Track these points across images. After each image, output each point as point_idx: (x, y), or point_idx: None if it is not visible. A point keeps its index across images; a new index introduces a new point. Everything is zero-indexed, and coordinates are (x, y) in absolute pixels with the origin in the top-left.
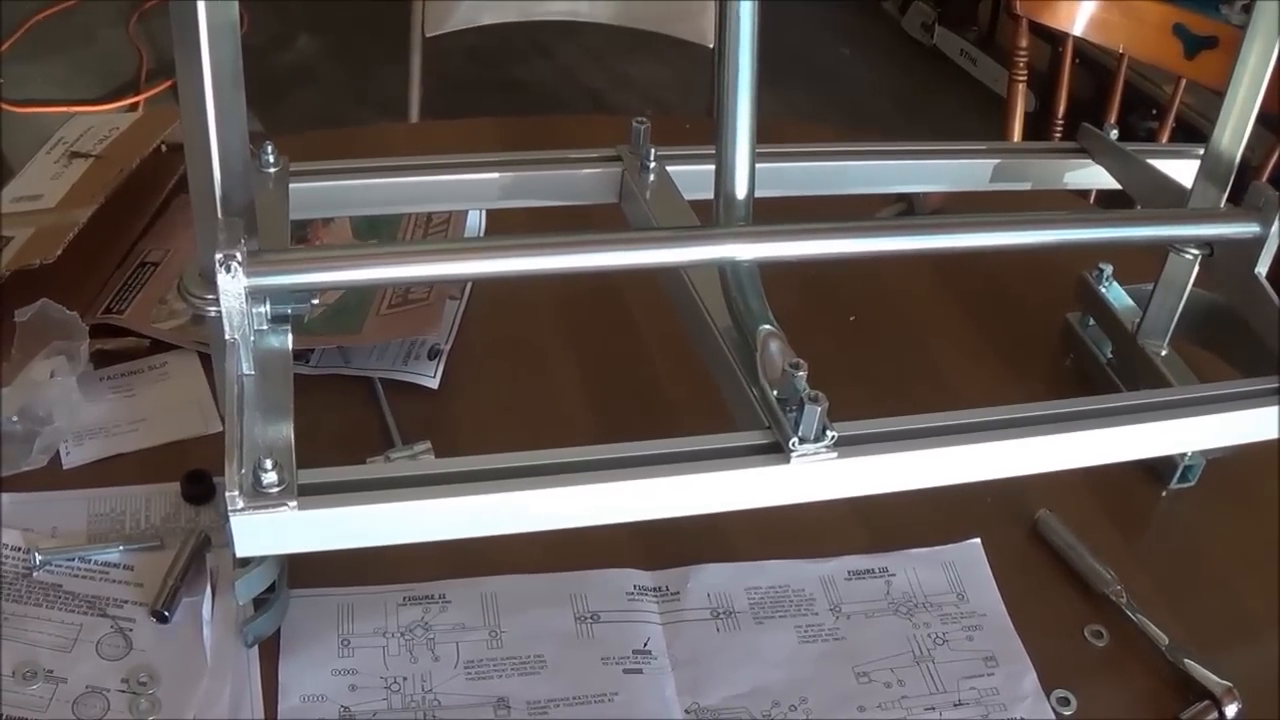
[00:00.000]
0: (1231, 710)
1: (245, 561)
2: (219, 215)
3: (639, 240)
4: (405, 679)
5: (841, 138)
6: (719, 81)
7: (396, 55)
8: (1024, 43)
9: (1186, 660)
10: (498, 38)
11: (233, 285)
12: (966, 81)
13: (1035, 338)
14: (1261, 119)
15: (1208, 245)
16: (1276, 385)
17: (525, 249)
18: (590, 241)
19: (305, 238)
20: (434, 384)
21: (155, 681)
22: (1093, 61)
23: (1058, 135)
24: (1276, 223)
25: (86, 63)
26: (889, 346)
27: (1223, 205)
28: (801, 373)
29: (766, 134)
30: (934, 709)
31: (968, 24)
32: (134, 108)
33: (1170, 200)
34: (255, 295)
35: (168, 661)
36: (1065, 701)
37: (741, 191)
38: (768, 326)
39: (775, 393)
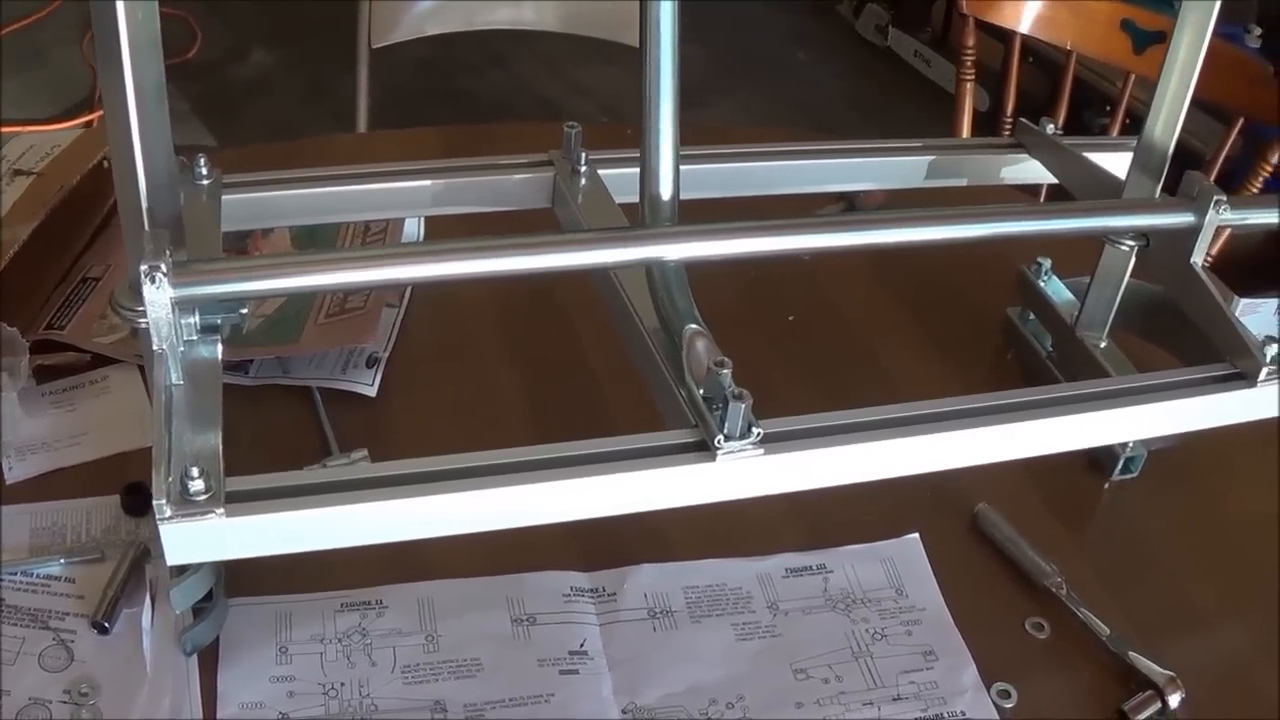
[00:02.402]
0: (1175, 700)
1: (182, 570)
2: (146, 228)
3: (564, 243)
4: (343, 684)
5: (790, 139)
6: (641, 85)
7: (352, 66)
8: (971, 42)
9: (1129, 651)
10: (453, 48)
11: (158, 296)
12: (921, 82)
13: (976, 333)
14: (1209, 110)
15: (1143, 236)
16: (1215, 374)
17: (444, 254)
18: (514, 245)
19: (245, 249)
20: (372, 392)
21: (96, 692)
22: (1046, 60)
23: (1007, 133)
24: (1210, 212)
25: (40, 81)
26: (829, 346)
27: (1157, 196)
28: (726, 370)
29: (720, 137)
30: (872, 704)
31: (921, 25)
32: (88, 126)
33: (1106, 193)
34: (183, 306)
35: (109, 672)
36: (1005, 694)
37: (666, 193)
38: (694, 326)
39: (701, 391)
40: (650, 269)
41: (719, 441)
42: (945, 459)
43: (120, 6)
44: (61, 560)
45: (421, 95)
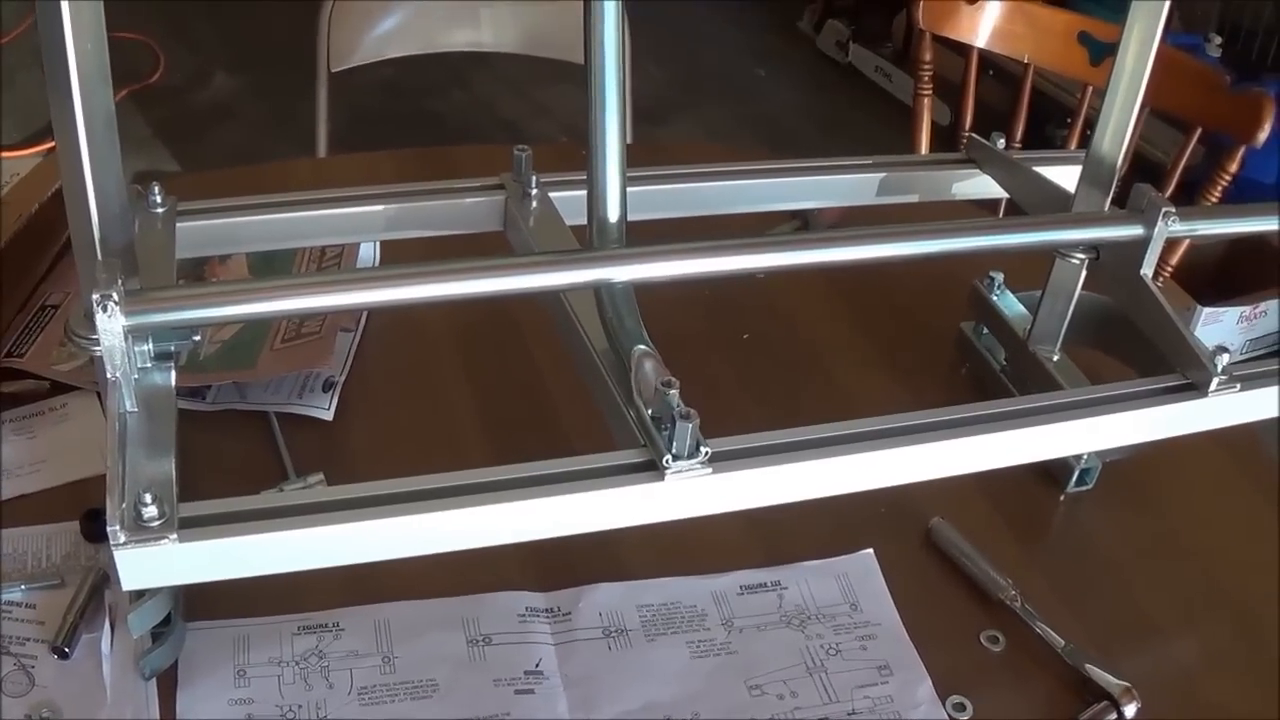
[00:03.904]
0: (1130, 710)
1: (140, 595)
2: (98, 257)
3: (512, 267)
4: (300, 706)
5: (743, 158)
6: (588, 108)
7: (315, 90)
8: (928, 57)
9: (1084, 662)
10: (415, 70)
11: (111, 324)
12: (882, 97)
13: (931, 348)
14: (1170, 120)
15: (1094, 249)
16: (1167, 385)
17: (396, 279)
18: (462, 270)
19: (203, 275)
20: (328, 416)
21: (57, 716)
22: (1007, 73)
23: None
24: (1159, 224)
25: (5, 107)
26: (785, 363)
27: (1107, 208)
28: (673, 391)
29: (674, 157)
30: (827, 718)
31: (881, 41)
32: (50, 152)
33: (1056, 206)
34: (136, 334)
35: (69, 696)
36: (961, 707)
37: (614, 215)
38: (642, 347)
39: (650, 411)
40: (599, 290)
41: (667, 461)
42: (898, 474)
43: (69, 38)
44: (22, 586)
45: (386, 117)
